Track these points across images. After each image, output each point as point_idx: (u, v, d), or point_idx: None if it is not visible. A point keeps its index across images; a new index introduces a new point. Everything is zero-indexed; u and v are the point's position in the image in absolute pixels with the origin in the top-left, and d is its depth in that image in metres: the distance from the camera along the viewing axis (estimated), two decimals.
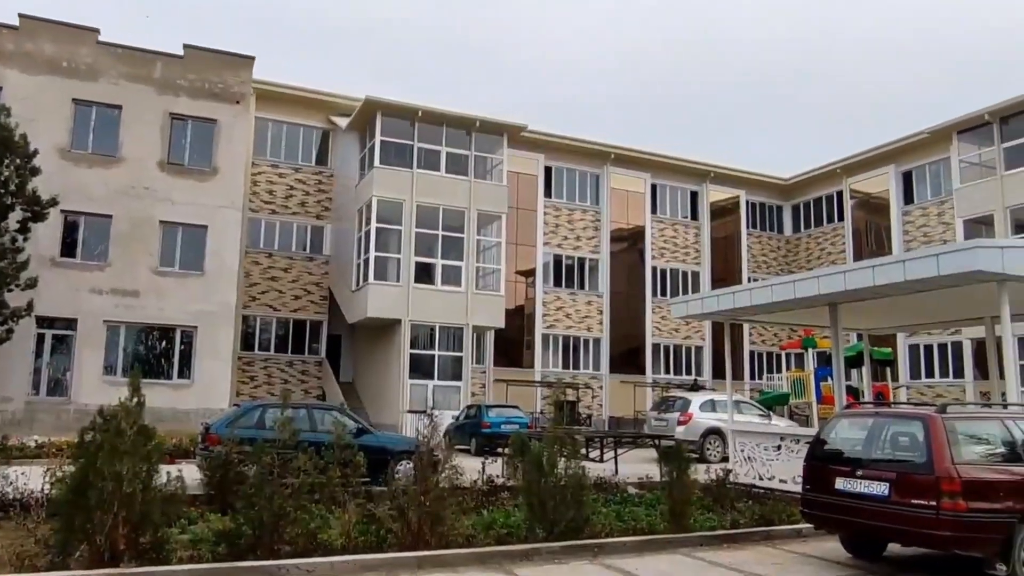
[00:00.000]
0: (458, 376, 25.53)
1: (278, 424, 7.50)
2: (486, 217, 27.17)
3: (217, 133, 23.28)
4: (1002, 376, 11.06)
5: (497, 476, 10.71)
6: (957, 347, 28.75)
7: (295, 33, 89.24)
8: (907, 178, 32.45)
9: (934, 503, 6.55)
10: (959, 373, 28.74)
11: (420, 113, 26.13)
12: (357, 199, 27.22)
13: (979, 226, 25.56)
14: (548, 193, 32.74)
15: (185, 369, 22.17)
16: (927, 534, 6.68)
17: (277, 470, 6.95)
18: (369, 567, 6.77)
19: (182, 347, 22.22)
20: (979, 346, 20.88)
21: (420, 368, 25.05)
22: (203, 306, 22.29)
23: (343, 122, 28.61)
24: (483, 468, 10.89)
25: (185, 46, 23.40)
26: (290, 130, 29.78)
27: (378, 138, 25.77)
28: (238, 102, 23.83)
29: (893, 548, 7.86)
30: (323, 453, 7.99)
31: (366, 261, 25.48)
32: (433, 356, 25.34)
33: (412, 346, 25.07)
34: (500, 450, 14.76)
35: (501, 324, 27.14)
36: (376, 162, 25.61)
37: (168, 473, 6.61)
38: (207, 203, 22.74)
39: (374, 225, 25.21)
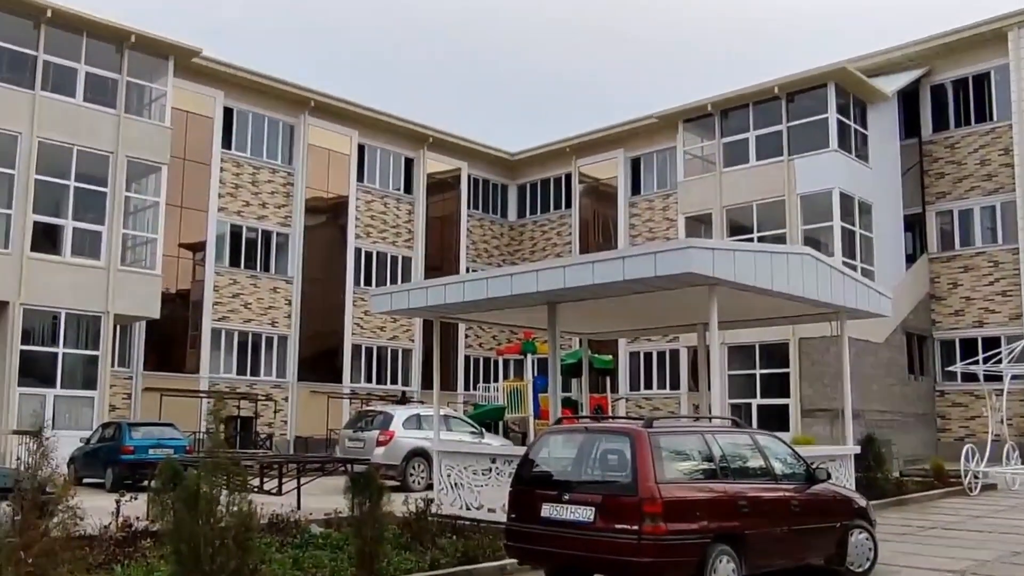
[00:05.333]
0: (92, 383, 23.45)
1: None
2: (140, 167, 25.24)
3: None
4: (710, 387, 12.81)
5: (139, 518, 10.08)
6: (675, 355, 32.41)
7: None
8: (636, 165, 36.10)
9: (636, 527, 7.09)
10: (676, 384, 32.26)
11: (50, 13, 23.43)
12: None
13: (699, 224, 28.69)
14: (228, 144, 31.08)
15: None
16: (627, 561, 7.10)
17: None
18: None
19: None
20: (694, 354, 23.52)
21: (36, 371, 22.69)
22: None
23: None
24: (118, 508, 10.21)
25: None
26: None
27: None
28: None
29: None
30: None
31: None
32: (56, 355, 23.05)
33: (25, 340, 22.56)
34: (147, 484, 13.86)
35: (156, 314, 25.46)
36: None
37: None
38: None
39: None
